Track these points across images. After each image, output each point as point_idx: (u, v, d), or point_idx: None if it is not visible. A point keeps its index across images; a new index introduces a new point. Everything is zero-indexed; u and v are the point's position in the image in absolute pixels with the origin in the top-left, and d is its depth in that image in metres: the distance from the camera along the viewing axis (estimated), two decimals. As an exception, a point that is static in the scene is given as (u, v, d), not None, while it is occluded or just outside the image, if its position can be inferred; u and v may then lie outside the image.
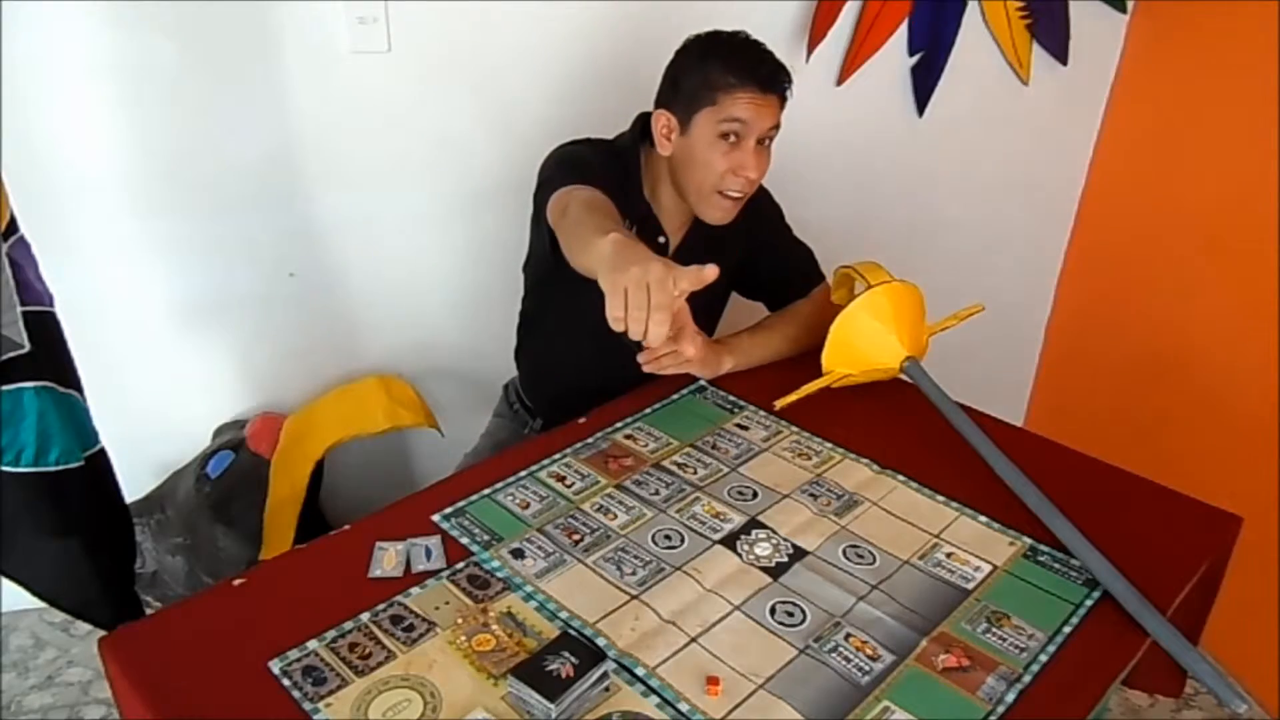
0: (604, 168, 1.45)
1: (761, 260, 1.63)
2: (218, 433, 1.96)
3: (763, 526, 1.19)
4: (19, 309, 1.22)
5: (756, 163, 1.43)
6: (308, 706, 0.92)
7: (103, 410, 1.36)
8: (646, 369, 1.43)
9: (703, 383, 1.52)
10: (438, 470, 1.49)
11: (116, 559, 1.41)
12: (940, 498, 1.25)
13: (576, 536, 1.17)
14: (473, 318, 2.08)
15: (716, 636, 1.02)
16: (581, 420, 1.42)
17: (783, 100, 1.44)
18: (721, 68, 1.39)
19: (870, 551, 1.15)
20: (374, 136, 1.85)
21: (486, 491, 1.25)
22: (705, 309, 1.51)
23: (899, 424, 1.42)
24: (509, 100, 1.91)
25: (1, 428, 1.22)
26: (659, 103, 1.47)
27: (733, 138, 1.40)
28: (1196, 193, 2.18)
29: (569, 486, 1.27)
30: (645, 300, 0.97)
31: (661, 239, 1.55)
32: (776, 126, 1.44)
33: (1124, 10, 2.24)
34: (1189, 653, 1.03)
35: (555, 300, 1.61)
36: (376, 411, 1.85)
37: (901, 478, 1.29)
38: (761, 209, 1.60)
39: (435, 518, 1.20)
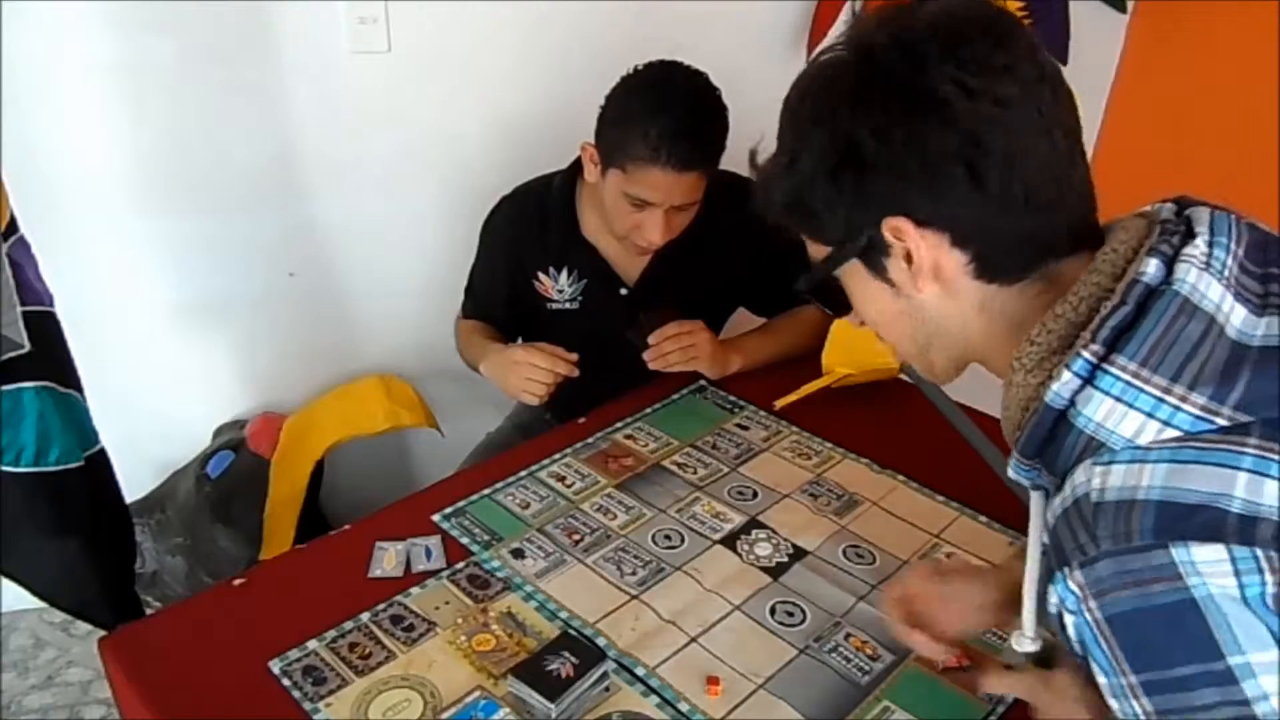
0: (505, 262, 1.55)
1: (764, 278, 1.58)
2: (218, 433, 1.96)
3: (763, 526, 1.19)
4: (19, 309, 1.22)
5: (661, 230, 1.38)
6: (308, 706, 0.92)
7: (103, 410, 1.36)
8: (652, 366, 1.43)
9: (703, 383, 1.52)
10: (438, 470, 1.49)
11: (116, 559, 1.41)
12: (940, 498, 1.25)
13: (576, 536, 1.17)
14: (473, 317, 2.07)
15: (716, 636, 1.02)
16: (581, 420, 1.42)
17: (706, 172, 1.36)
18: (639, 139, 1.30)
19: (870, 551, 1.15)
20: (374, 136, 1.85)
21: (486, 491, 1.25)
22: (708, 318, 1.50)
23: (899, 424, 1.42)
24: (509, 100, 1.91)
25: (1, 428, 1.22)
26: (596, 129, 1.41)
27: (640, 203, 1.36)
28: (1196, 192, 2.18)
29: (569, 486, 1.27)
30: (537, 376, 1.37)
31: (623, 290, 1.54)
32: (698, 199, 1.39)
33: (1124, 10, 2.24)
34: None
35: (547, 321, 1.60)
36: (376, 411, 1.85)
37: (901, 478, 1.29)
38: (759, 227, 1.54)
39: (435, 518, 1.20)
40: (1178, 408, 0.60)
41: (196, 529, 1.81)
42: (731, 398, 1.49)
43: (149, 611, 1.58)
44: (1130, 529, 0.59)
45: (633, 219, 1.39)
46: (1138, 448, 0.61)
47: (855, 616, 1.05)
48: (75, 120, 1.66)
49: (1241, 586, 0.56)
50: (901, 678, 0.97)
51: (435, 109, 1.87)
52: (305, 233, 1.90)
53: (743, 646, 1.01)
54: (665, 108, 1.30)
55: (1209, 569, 0.56)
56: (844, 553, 1.15)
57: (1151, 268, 0.63)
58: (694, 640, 1.02)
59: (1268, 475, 0.57)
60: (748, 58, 2.01)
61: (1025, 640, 0.80)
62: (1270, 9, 1.91)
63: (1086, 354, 0.63)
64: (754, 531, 1.18)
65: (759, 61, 2.06)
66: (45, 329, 1.26)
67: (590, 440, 1.37)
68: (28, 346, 1.22)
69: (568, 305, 1.56)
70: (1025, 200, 0.66)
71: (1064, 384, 0.63)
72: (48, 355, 1.26)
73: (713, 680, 0.96)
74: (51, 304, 1.28)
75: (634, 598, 1.07)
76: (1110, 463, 0.61)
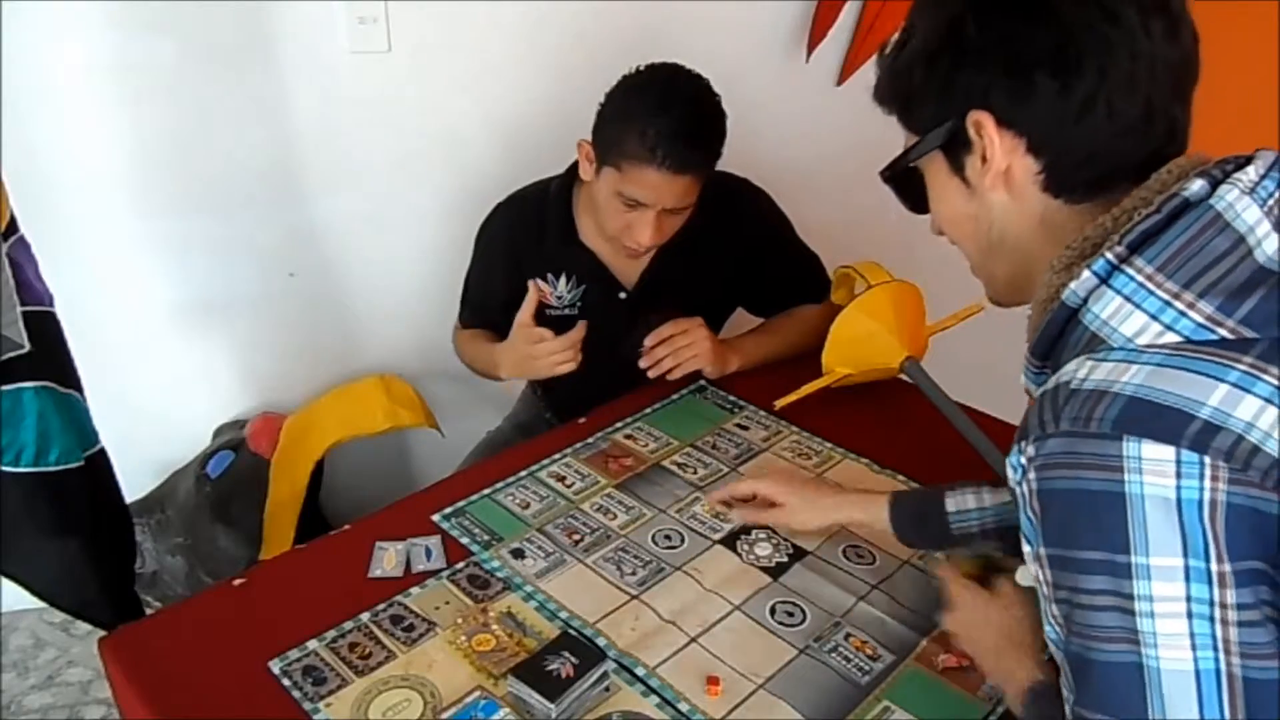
0: (504, 266, 1.54)
1: (761, 278, 1.59)
2: (218, 433, 1.96)
3: (763, 526, 1.19)
4: (19, 309, 1.22)
5: (651, 232, 1.37)
6: (308, 706, 0.92)
7: (103, 410, 1.36)
8: (651, 374, 1.43)
9: (703, 382, 1.52)
10: (438, 470, 1.49)
11: (116, 559, 1.41)
12: (940, 498, 1.25)
13: (576, 536, 1.17)
14: (473, 318, 2.07)
15: (716, 636, 1.02)
16: (581, 420, 1.42)
17: (702, 175, 1.36)
18: (636, 138, 1.29)
19: (870, 551, 1.15)
20: (374, 136, 1.85)
21: (486, 491, 1.25)
22: (707, 319, 1.50)
23: (899, 424, 1.42)
24: (509, 100, 1.91)
25: (1, 428, 1.22)
26: (594, 125, 1.41)
27: (632, 203, 1.36)
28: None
29: (569, 486, 1.27)
30: (552, 357, 1.36)
31: (622, 294, 1.54)
32: (690, 204, 1.38)
33: (1124, 10, 2.23)
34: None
35: (546, 326, 1.59)
36: (376, 411, 1.85)
37: (901, 477, 1.29)
38: (756, 228, 1.56)
39: (435, 518, 1.20)
40: (1183, 313, 0.60)
41: (196, 529, 1.81)
42: (731, 398, 1.49)
43: (149, 611, 1.58)
44: (1091, 416, 0.60)
45: (624, 219, 1.38)
46: (1134, 349, 0.61)
47: (855, 616, 1.05)
48: (75, 120, 1.66)
49: (1178, 489, 0.57)
50: (901, 678, 0.97)
51: (435, 109, 1.87)
52: (305, 233, 1.90)
53: (743, 646, 1.01)
54: (665, 108, 1.30)
55: (1151, 467, 0.58)
56: (844, 553, 1.15)
57: (1195, 185, 0.63)
58: (694, 640, 1.02)
59: (1249, 391, 0.57)
60: (748, 58, 2.01)
61: (1028, 575, 0.84)
62: (1270, 9, 1.91)
63: (1109, 255, 0.63)
64: (754, 531, 1.18)
65: (759, 62, 2.06)
66: (45, 329, 1.26)
67: (590, 440, 1.37)
68: (28, 346, 1.22)
69: (566, 311, 1.55)
70: (1108, 117, 0.67)
71: (1081, 283, 0.64)
72: (48, 355, 1.26)
73: (713, 680, 0.96)
74: (51, 304, 1.28)
75: (634, 598, 1.07)
76: (1104, 359, 0.62)
